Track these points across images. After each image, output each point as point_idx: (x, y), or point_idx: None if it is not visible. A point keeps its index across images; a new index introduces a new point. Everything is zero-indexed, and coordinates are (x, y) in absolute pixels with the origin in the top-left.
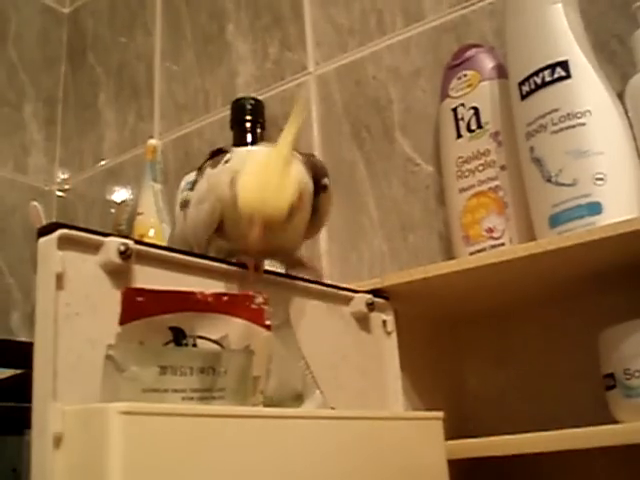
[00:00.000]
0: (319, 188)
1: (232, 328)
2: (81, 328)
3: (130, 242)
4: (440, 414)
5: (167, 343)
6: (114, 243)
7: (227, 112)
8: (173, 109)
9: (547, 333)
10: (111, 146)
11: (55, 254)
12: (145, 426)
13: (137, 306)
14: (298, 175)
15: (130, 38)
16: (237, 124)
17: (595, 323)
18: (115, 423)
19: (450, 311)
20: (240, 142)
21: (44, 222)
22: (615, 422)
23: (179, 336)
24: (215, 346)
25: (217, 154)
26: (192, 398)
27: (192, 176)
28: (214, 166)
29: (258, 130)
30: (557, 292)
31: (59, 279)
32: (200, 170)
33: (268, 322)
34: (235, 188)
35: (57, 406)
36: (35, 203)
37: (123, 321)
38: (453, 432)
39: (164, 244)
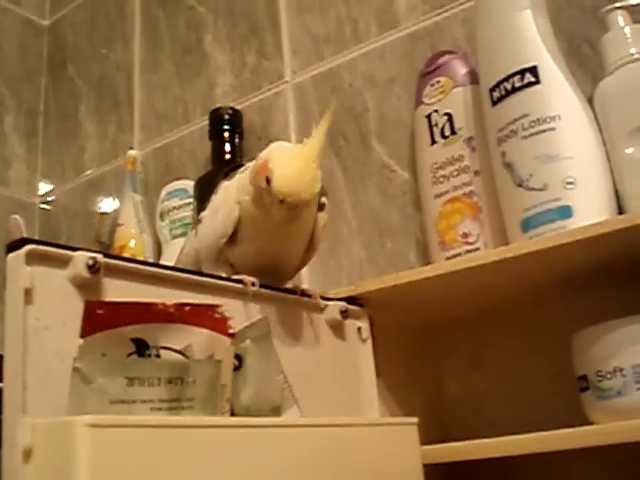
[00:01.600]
0: (318, 206)
1: (195, 338)
2: (50, 342)
3: (99, 256)
4: (414, 419)
5: (130, 354)
6: (82, 257)
7: (206, 122)
8: (153, 120)
9: (523, 336)
10: (92, 157)
11: (23, 269)
12: (113, 438)
13: (98, 318)
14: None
15: (110, 49)
16: (215, 134)
17: (570, 325)
18: (82, 436)
19: (426, 317)
20: (219, 152)
21: (25, 234)
22: (590, 424)
23: (142, 347)
24: (179, 356)
25: (231, 172)
26: (160, 409)
27: (173, 186)
28: (230, 178)
29: (236, 140)
30: (532, 296)
31: (27, 294)
32: (214, 191)
33: (232, 331)
34: (262, 175)
35: (26, 420)
36: (16, 216)
37: (84, 333)
38: (433, 437)
39: (145, 254)
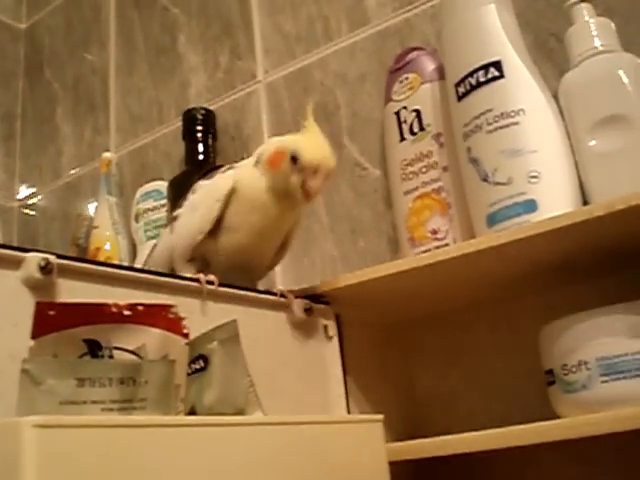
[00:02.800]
0: None
1: (149, 338)
2: (2, 344)
3: (51, 257)
4: (379, 416)
5: (82, 355)
6: (35, 258)
7: (181, 123)
8: (128, 122)
9: (493, 331)
10: (69, 160)
11: None
12: (61, 439)
13: (49, 320)
14: None
15: (85, 52)
16: (188, 135)
17: (538, 320)
18: (29, 437)
19: (395, 313)
20: (192, 152)
21: (0, 238)
22: (558, 417)
23: (94, 348)
24: (133, 357)
25: (210, 172)
26: (112, 409)
27: (148, 188)
28: (210, 178)
29: (210, 140)
30: (500, 290)
31: None
32: (189, 190)
33: (186, 331)
34: (282, 159)
35: None
36: None
37: (35, 335)
38: (405, 434)
39: (120, 257)
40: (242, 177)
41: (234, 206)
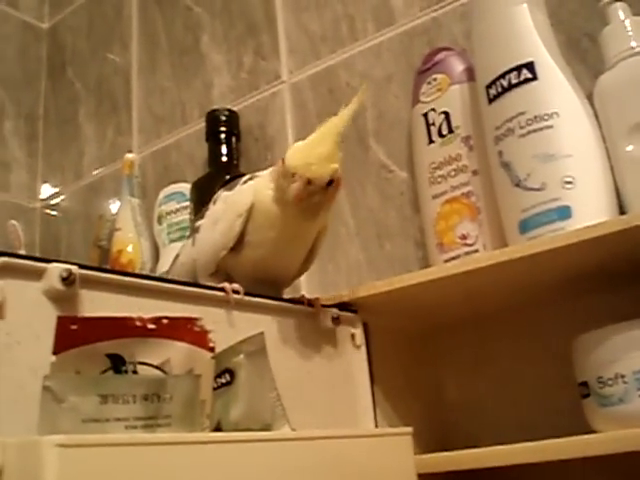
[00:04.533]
0: None
1: (174, 352)
2: (22, 357)
3: (74, 267)
4: (409, 429)
5: (105, 371)
6: (56, 269)
7: (204, 124)
8: (151, 122)
9: (524, 340)
10: (92, 161)
11: None
12: (84, 458)
13: (71, 334)
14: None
15: (108, 52)
16: (212, 136)
17: (570, 329)
18: (51, 456)
19: (423, 321)
20: (215, 154)
21: (23, 240)
22: (592, 431)
23: (118, 363)
24: (157, 371)
25: (231, 181)
26: (136, 427)
27: (171, 190)
28: (230, 189)
29: (233, 142)
30: (531, 298)
31: None
32: (211, 199)
33: (212, 344)
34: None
35: None
36: (14, 222)
37: (57, 350)
38: (433, 445)
39: (143, 259)
40: (259, 190)
41: (254, 221)
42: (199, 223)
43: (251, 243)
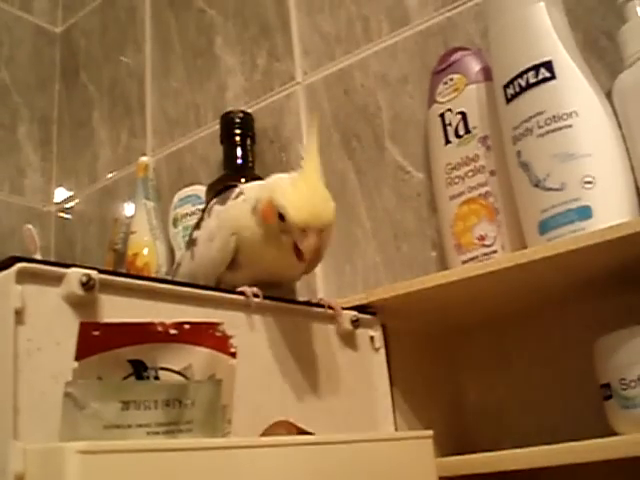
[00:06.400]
0: None
1: (196, 357)
2: (43, 364)
3: (93, 272)
4: (429, 433)
5: (127, 377)
6: (76, 274)
7: (218, 126)
8: (165, 125)
9: (544, 342)
10: (106, 164)
11: (14, 289)
12: (106, 465)
13: (93, 340)
14: None
15: (121, 55)
16: (227, 138)
17: (591, 331)
18: (73, 463)
19: (442, 323)
20: (230, 156)
21: (38, 244)
22: (615, 433)
23: (140, 369)
24: (179, 377)
25: (223, 191)
26: (158, 433)
27: (186, 192)
28: (222, 203)
29: (248, 143)
30: (552, 300)
31: (18, 314)
32: (206, 209)
33: (233, 349)
34: (271, 215)
35: (18, 445)
36: (29, 226)
37: (79, 357)
38: (453, 448)
39: (158, 262)
40: (241, 226)
41: (242, 246)
42: (196, 235)
43: (244, 263)
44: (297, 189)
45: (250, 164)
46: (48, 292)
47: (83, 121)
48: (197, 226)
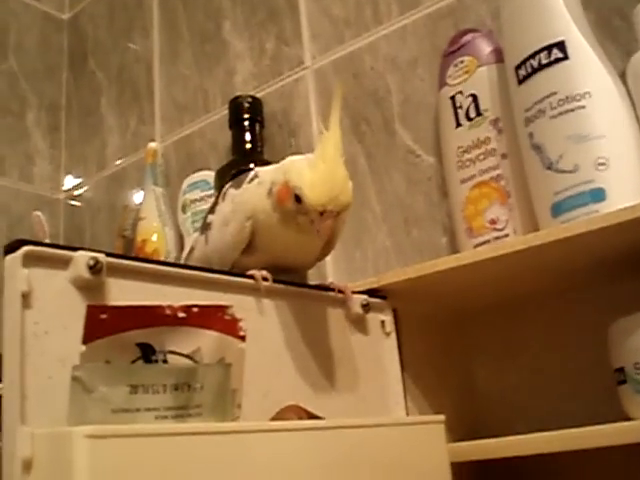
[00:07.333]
0: None
1: (205, 341)
2: (51, 347)
3: (100, 255)
4: (441, 417)
5: (135, 360)
6: (83, 257)
7: (227, 111)
8: (173, 111)
9: (557, 326)
10: (114, 151)
11: (20, 272)
12: (114, 449)
13: (101, 324)
14: None
15: (129, 41)
16: (235, 123)
17: (606, 314)
18: (80, 447)
19: (454, 307)
20: (239, 141)
21: (47, 231)
22: (628, 418)
23: (148, 352)
24: (187, 361)
25: (238, 175)
26: (166, 417)
27: (194, 178)
28: (237, 187)
29: (257, 128)
30: (564, 283)
31: (25, 298)
32: (220, 193)
33: (242, 333)
34: (287, 197)
35: (25, 430)
36: (38, 213)
37: (86, 340)
38: (463, 432)
39: (167, 248)
40: (257, 209)
41: (258, 230)
42: (210, 219)
43: (260, 247)
44: (315, 169)
45: (259, 149)
46: (55, 275)
47: (91, 108)
48: (211, 210)
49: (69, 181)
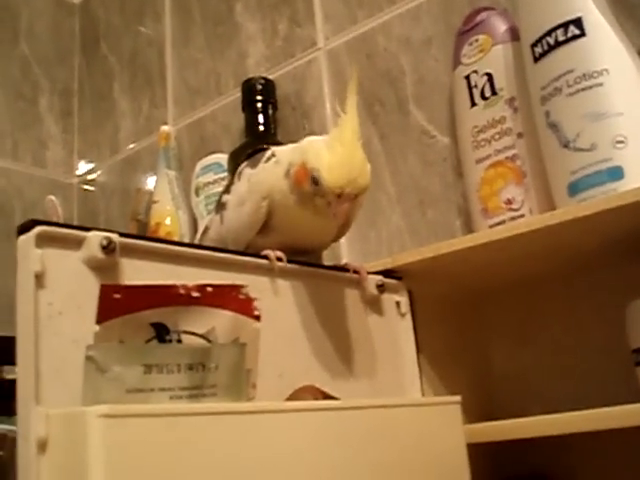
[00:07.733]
0: None
1: (219, 321)
2: (65, 328)
3: (114, 235)
4: (457, 398)
5: (149, 340)
6: (96, 237)
7: (239, 94)
8: (186, 94)
9: (573, 306)
10: (127, 135)
11: (34, 252)
12: (128, 429)
13: (115, 303)
14: None
15: (141, 25)
16: (248, 106)
17: (622, 295)
18: (95, 427)
19: (469, 288)
20: (252, 123)
21: (61, 215)
22: None
23: (162, 332)
24: (202, 340)
25: (254, 154)
26: (181, 397)
27: (207, 161)
28: (253, 166)
29: (270, 111)
30: (581, 263)
31: (39, 278)
32: (235, 172)
33: (257, 312)
34: (305, 179)
35: (40, 410)
36: (52, 197)
37: (100, 320)
38: (479, 413)
39: (181, 231)
40: (273, 190)
41: (275, 210)
42: (225, 199)
43: (276, 227)
44: (333, 151)
45: (272, 131)
46: (68, 256)
47: (104, 92)
48: (227, 190)
49: (82, 166)
